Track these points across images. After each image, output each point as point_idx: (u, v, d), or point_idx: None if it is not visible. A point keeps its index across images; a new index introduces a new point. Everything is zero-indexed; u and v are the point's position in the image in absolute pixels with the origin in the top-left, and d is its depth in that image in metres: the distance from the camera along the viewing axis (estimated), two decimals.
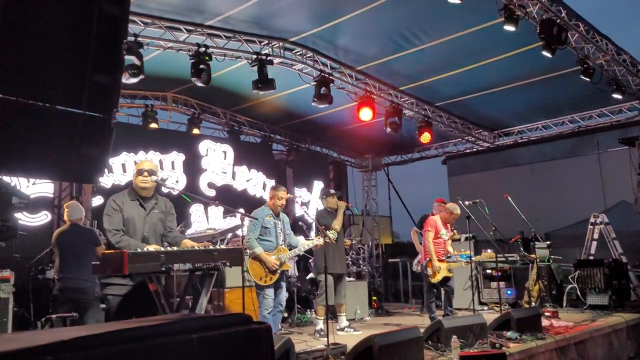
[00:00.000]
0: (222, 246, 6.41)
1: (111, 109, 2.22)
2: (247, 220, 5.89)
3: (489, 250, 7.29)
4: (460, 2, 6.44)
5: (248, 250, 5.88)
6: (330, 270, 6.47)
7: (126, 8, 2.27)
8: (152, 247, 3.75)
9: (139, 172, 4.16)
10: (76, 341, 1.68)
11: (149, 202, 4.20)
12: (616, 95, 9.07)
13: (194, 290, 4.64)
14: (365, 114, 9.36)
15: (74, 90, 2.11)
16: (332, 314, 7.29)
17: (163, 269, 3.58)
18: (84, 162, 2.10)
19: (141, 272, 3.63)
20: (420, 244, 8.76)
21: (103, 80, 2.21)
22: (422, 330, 5.10)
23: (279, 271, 5.73)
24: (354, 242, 9.89)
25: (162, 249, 3.76)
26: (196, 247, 4.00)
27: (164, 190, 4.90)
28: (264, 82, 8.10)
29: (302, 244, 6.13)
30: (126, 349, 1.75)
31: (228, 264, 4.03)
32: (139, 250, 3.58)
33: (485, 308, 9.24)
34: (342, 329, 6.85)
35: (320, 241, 6.02)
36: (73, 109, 2.09)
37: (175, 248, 3.84)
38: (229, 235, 7.48)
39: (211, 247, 4.24)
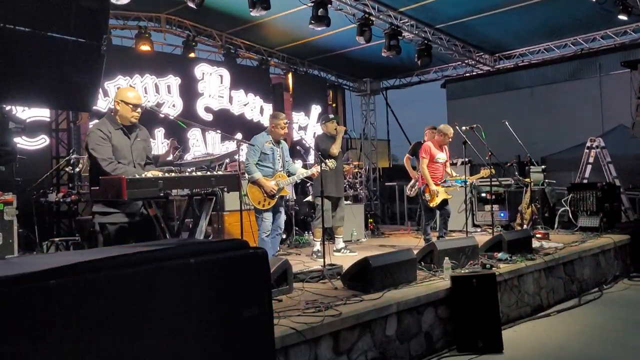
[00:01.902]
0: (220, 171, 6.48)
1: (100, 34, 2.18)
2: (243, 147, 5.91)
3: (486, 168, 7.31)
4: None
5: (246, 175, 5.95)
6: (328, 193, 6.58)
7: None
8: (149, 174, 3.78)
9: (134, 107, 4.08)
10: (78, 265, 1.76)
11: (133, 130, 4.21)
12: (622, 17, 8.82)
13: (194, 213, 4.75)
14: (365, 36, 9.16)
15: (61, 16, 2.07)
16: (329, 235, 7.49)
17: (161, 194, 3.64)
18: (75, 90, 2.09)
19: (139, 198, 3.69)
20: (414, 169, 8.87)
21: (90, 4, 2.16)
22: (416, 252, 5.28)
23: (277, 196, 5.83)
24: (351, 166, 9.96)
25: (160, 174, 3.79)
26: (194, 174, 4.05)
27: (161, 116, 4.87)
28: (259, 1, 7.82)
29: (300, 172, 6.19)
30: (126, 273, 1.83)
31: (225, 189, 4.08)
32: (137, 176, 3.62)
33: (479, 230, 9.48)
34: (338, 250, 7.05)
35: (317, 169, 6.08)
36: (61, 35, 2.05)
37: (173, 174, 3.88)
38: (227, 160, 7.53)
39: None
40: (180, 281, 1.95)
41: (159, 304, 1.90)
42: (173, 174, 3.87)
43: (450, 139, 7.41)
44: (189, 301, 1.98)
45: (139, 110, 4.11)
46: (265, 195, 5.74)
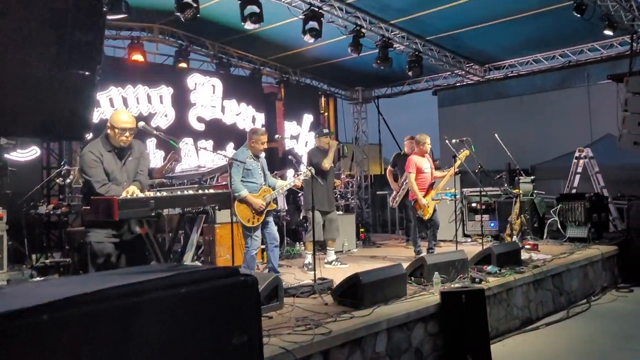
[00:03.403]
0: (212, 185, 6.51)
1: (94, 65, 2.21)
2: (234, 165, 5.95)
3: (462, 151, 7.28)
4: None
5: (235, 193, 5.98)
6: (319, 207, 6.62)
7: None
8: (136, 189, 3.79)
9: (122, 131, 4.03)
10: (70, 299, 1.78)
11: (125, 152, 4.19)
12: (607, 32, 8.92)
13: (185, 227, 4.78)
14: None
15: (55, 48, 2.09)
16: (321, 246, 7.53)
17: (153, 214, 3.67)
18: (68, 119, 2.11)
19: (131, 218, 3.72)
20: (396, 182, 8.91)
21: (85, 37, 2.18)
22: (406, 266, 5.33)
23: (265, 211, 5.86)
24: (343, 176, 10.02)
25: (152, 194, 3.82)
26: (185, 193, 4.08)
27: (153, 133, 4.89)
28: (252, 14, 7.87)
29: (281, 184, 6.23)
30: (117, 305, 1.85)
31: (217, 207, 4.12)
32: (128, 196, 3.64)
33: (469, 240, 9.55)
34: (329, 263, 7.09)
35: (300, 179, 6.18)
36: (55, 66, 2.08)
37: (164, 193, 3.91)
38: (218, 172, 7.55)
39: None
40: (171, 311, 1.99)
41: (150, 334, 1.93)
42: (165, 194, 3.90)
43: (430, 146, 7.47)
44: (179, 330, 2.01)
45: (127, 134, 4.07)
46: (254, 212, 5.76)
